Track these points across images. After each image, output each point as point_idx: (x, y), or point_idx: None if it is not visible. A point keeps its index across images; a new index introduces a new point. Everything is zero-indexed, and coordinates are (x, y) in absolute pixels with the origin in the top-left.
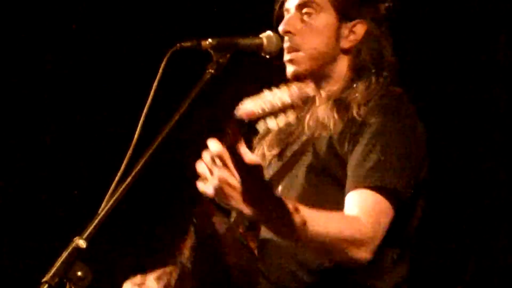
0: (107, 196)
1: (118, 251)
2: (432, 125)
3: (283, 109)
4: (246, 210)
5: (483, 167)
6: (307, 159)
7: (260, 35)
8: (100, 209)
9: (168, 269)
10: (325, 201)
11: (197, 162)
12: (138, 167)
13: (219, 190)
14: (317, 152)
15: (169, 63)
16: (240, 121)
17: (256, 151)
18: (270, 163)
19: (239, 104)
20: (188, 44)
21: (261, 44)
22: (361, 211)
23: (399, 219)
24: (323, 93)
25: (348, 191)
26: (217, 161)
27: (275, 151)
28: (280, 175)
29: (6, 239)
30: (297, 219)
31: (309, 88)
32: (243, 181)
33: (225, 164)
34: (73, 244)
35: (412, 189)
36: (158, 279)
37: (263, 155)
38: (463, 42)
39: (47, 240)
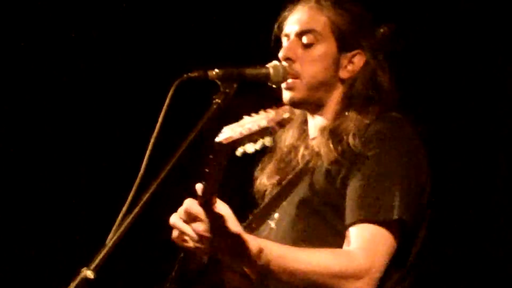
0: (114, 227)
1: (125, 281)
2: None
3: (260, 133)
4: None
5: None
6: (301, 191)
7: (267, 65)
8: (108, 240)
9: None
10: (317, 233)
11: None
12: (146, 196)
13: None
14: (313, 183)
15: (176, 94)
16: (220, 146)
17: (258, 180)
18: (270, 192)
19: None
20: (195, 74)
21: (268, 74)
22: (357, 245)
23: (401, 245)
24: (316, 122)
25: (347, 228)
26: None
27: (274, 180)
28: (275, 204)
29: (15, 270)
30: (257, 256)
31: (286, 112)
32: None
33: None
34: (81, 275)
35: (414, 215)
36: None
37: (264, 185)
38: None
39: (56, 271)
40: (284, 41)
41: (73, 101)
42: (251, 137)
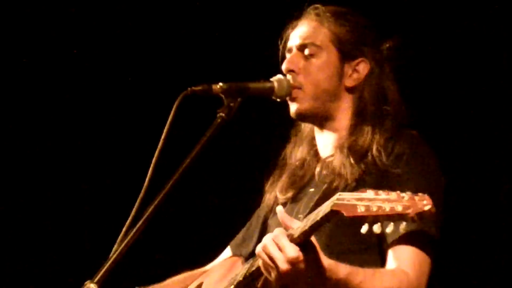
0: (118, 240)
1: None
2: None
3: (393, 217)
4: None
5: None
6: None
7: (271, 79)
8: (112, 253)
9: None
10: (344, 250)
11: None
12: (149, 210)
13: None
14: None
15: (180, 107)
16: (345, 217)
17: (268, 194)
18: (283, 206)
19: None
20: (199, 88)
21: (272, 88)
22: (404, 263)
23: None
24: (328, 138)
25: (388, 248)
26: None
27: (289, 194)
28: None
29: (20, 284)
30: (354, 281)
31: (428, 205)
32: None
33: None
34: None
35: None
36: None
37: (275, 198)
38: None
39: (60, 284)
40: (288, 56)
41: (78, 116)
42: (380, 218)
